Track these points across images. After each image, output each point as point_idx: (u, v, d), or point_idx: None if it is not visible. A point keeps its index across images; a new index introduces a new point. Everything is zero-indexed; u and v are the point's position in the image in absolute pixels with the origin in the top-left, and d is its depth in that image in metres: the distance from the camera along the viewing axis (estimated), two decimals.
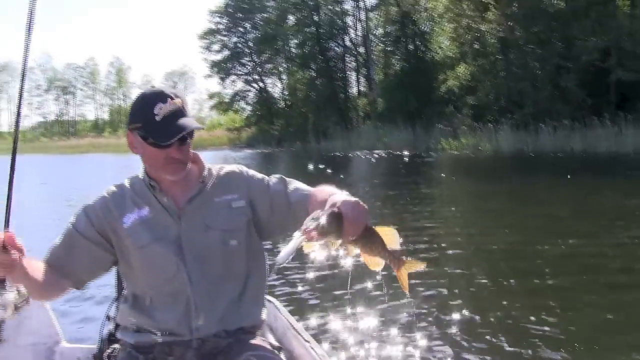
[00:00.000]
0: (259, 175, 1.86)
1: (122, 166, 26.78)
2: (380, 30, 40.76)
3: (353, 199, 1.44)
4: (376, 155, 26.18)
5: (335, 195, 1.51)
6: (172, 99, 1.68)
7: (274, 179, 1.84)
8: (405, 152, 25.16)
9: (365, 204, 1.45)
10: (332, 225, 1.39)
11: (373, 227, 1.49)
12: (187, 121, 1.68)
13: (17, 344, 2.66)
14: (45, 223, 9.42)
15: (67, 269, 1.73)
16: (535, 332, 3.83)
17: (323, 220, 1.38)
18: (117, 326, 2.45)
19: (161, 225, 1.76)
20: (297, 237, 1.39)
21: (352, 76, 44.30)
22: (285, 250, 1.38)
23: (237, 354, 1.65)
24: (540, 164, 17.91)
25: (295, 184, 1.82)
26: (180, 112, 1.68)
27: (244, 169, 1.88)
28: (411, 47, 35.64)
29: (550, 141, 21.70)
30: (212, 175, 1.84)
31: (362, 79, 43.75)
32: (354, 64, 43.83)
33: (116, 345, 2.37)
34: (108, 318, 2.48)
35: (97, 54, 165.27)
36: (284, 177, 1.85)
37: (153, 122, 1.65)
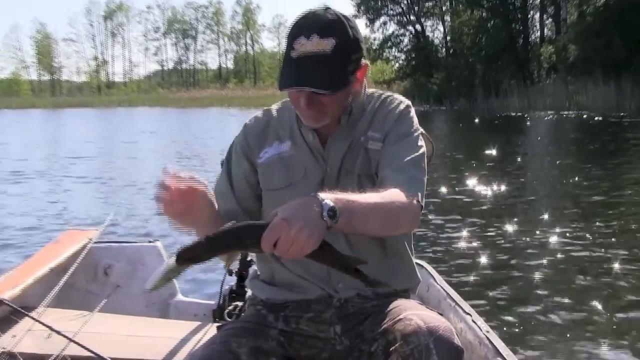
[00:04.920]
0: (407, 124, 1.81)
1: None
2: None
3: (297, 223, 1.36)
4: (564, 117, 25.26)
5: (294, 208, 1.41)
6: (321, 37, 1.63)
7: (408, 142, 1.78)
8: (607, 115, 23.98)
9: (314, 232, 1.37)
10: (218, 247, 1.38)
11: (329, 249, 1.48)
12: (316, 75, 1.62)
13: (131, 292, 3.09)
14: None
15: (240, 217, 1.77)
16: None
17: (205, 242, 1.37)
18: (241, 281, 2.73)
19: (301, 166, 1.80)
20: (170, 262, 1.42)
21: (535, 17, 42.68)
22: (155, 275, 1.43)
23: (388, 315, 1.65)
24: None
25: (412, 164, 1.72)
26: (319, 59, 1.63)
27: (404, 107, 1.84)
28: None
29: None
30: (369, 105, 1.86)
31: (548, 21, 42.01)
32: (537, 1, 42.15)
33: (238, 303, 2.66)
34: (230, 272, 2.74)
35: None
36: (418, 150, 1.77)
37: (288, 56, 1.65)
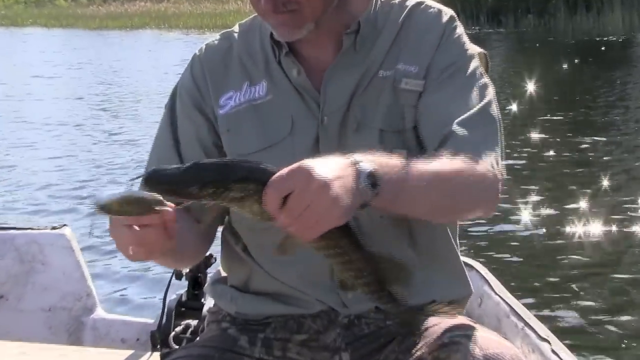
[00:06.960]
0: (457, 48, 1.84)
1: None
2: None
3: (324, 176, 1.37)
4: None
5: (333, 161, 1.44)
6: None
7: (467, 80, 1.80)
8: None
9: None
10: (200, 189, 1.37)
11: (355, 238, 1.52)
12: None
13: (24, 305, 3.10)
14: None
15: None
16: None
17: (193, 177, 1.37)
18: (195, 287, 2.78)
19: (285, 117, 1.82)
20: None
21: None
22: (115, 193, 1.40)
23: (423, 338, 1.67)
24: None
25: (483, 114, 1.76)
26: None
27: (447, 19, 1.86)
28: None
29: None
30: (388, 18, 1.87)
31: None
32: None
33: (190, 321, 2.70)
34: (178, 276, 2.81)
35: None
36: (485, 89, 1.81)
37: None
